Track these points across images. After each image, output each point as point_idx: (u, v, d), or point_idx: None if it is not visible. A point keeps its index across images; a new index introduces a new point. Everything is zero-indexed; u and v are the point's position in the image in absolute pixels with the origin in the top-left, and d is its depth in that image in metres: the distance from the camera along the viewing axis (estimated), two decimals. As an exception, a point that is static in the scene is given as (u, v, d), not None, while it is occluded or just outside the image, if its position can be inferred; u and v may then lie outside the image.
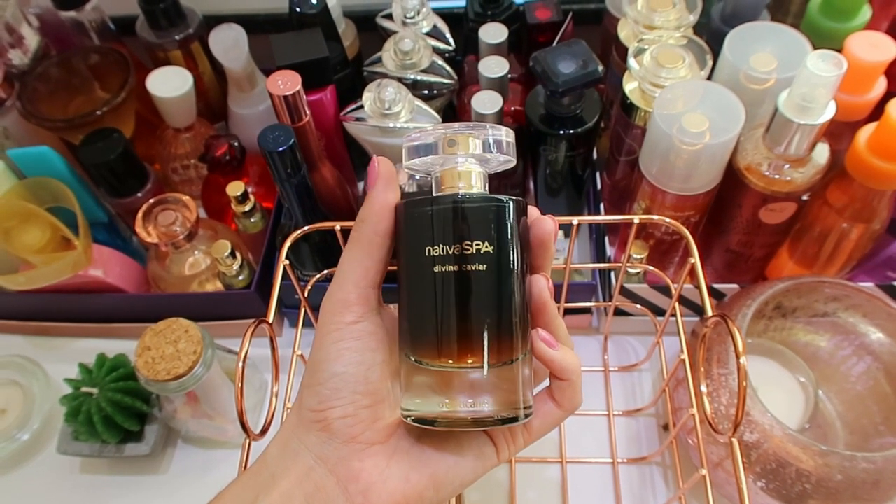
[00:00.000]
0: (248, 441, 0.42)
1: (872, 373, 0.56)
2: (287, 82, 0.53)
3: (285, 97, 0.52)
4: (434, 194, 0.32)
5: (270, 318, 0.46)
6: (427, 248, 0.30)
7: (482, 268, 0.30)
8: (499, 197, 0.31)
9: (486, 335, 0.30)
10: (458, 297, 0.30)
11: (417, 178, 0.58)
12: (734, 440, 0.41)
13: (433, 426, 0.31)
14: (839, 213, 0.52)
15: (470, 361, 0.30)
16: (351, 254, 0.33)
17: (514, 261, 0.31)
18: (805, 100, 0.46)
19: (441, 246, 0.30)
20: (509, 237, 0.31)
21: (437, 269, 0.30)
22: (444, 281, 0.30)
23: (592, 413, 0.61)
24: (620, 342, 0.65)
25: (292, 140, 0.49)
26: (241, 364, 0.41)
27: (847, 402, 0.57)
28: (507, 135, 0.32)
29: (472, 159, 0.32)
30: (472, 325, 0.30)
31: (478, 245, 0.30)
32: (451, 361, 0.30)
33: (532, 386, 0.33)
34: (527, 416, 0.31)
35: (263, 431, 0.45)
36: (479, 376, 0.30)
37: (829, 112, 0.47)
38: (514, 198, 0.31)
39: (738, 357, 0.40)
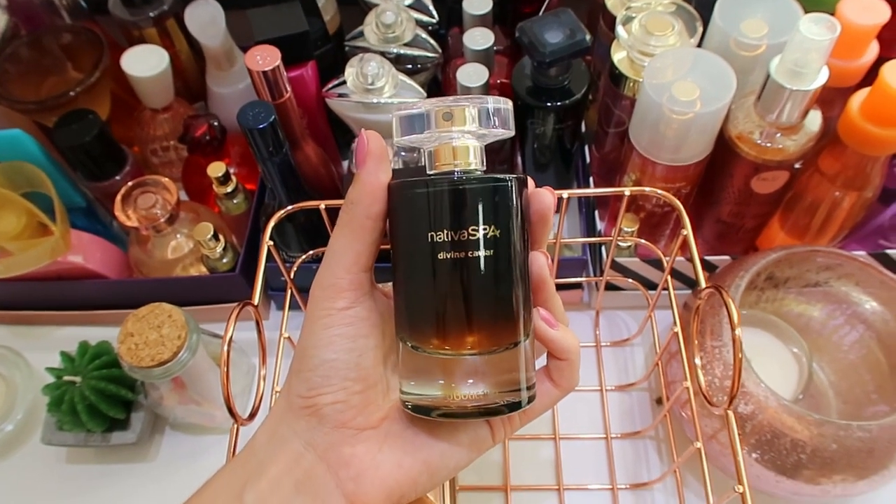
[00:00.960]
0: (236, 426, 0.41)
1: (865, 341, 0.55)
2: (266, 57, 0.51)
3: (265, 73, 0.51)
4: (428, 172, 0.30)
5: (256, 301, 0.45)
6: (428, 234, 0.28)
7: (489, 253, 0.28)
8: (500, 176, 0.29)
9: (492, 321, 0.29)
10: (463, 285, 0.28)
11: (404, 154, 0.57)
12: (730, 412, 0.41)
13: (430, 416, 0.30)
14: (831, 182, 0.52)
15: (471, 348, 0.29)
16: (341, 237, 0.31)
17: (517, 243, 0.29)
18: (797, 65, 0.45)
19: (444, 231, 0.28)
20: (513, 218, 0.29)
21: (440, 256, 0.28)
22: (449, 268, 0.28)
23: (585, 389, 0.60)
24: (612, 317, 0.64)
25: (273, 117, 0.48)
26: (226, 348, 0.40)
27: (840, 372, 0.57)
28: (504, 104, 0.30)
29: (468, 133, 0.30)
30: (478, 312, 0.29)
31: (484, 229, 0.28)
32: (451, 349, 0.29)
33: (534, 367, 0.32)
34: (530, 399, 0.30)
35: (252, 416, 0.44)
36: (480, 362, 0.29)
37: (822, 77, 0.46)
38: (515, 176, 0.29)
39: (732, 328, 0.39)
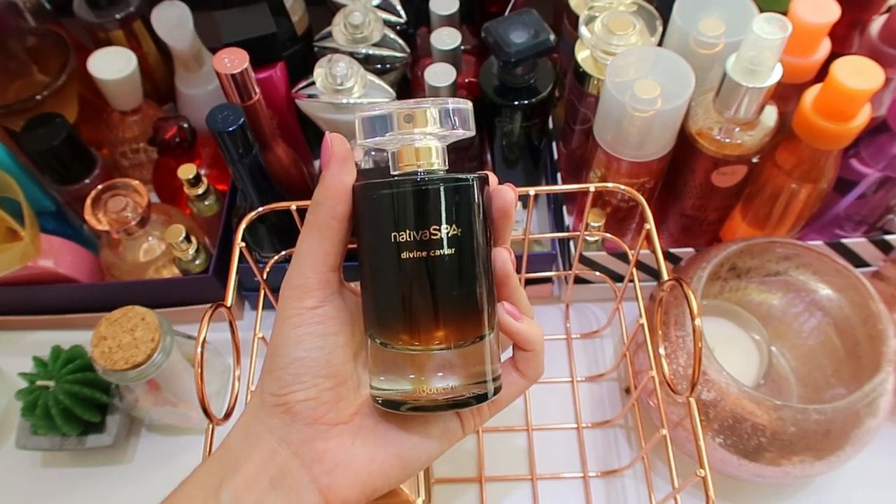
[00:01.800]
0: (211, 426, 0.42)
1: (823, 328, 0.57)
2: (234, 60, 0.51)
3: (233, 75, 0.51)
4: (392, 173, 0.31)
5: (228, 302, 0.45)
6: (392, 234, 0.29)
7: (450, 251, 0.29)
8: (462, 176, 0.30)
9: (455, 317, 0.30)
10: (428, 283, 0.29)
11: (374, 154, 0.58)
12: (692, 399, 0.42)
13: (400, 410, 0.31)
14: (788, 174, 0.54)
15: (438, 343, 0.30)
16: (308, 238, 0.32)
17: (480, 240, 0.30)
18: (752, 63, 0.47)
19: (407, 231, 0.29)
20: (475, 216, 0.30)
21: (403, 255, 0.29)
22: (413, 267, 0.29)
23: (556, 380, 0.61)
24: (582, 309, 0.66)
25: (242, 119, 0.48)
26: (199, 350, 0.40)
27: (800, 357, 0.59)
28: (465, 104, 0.31)
29: (430, 135, 0.31)
30: (443, 308, 0.30)
31: (446, 229, 0.29)
32: (419, 344, 0.30)
33: (500, 359, 0.33)
34: (496, 391, 0.31)
35: (227, 416, 0.44)
36: (448, 356, 0.30)
37: (776, 75, 0.47)
38: (477, 175, 0.30)
39: (692, 319, 0.41)
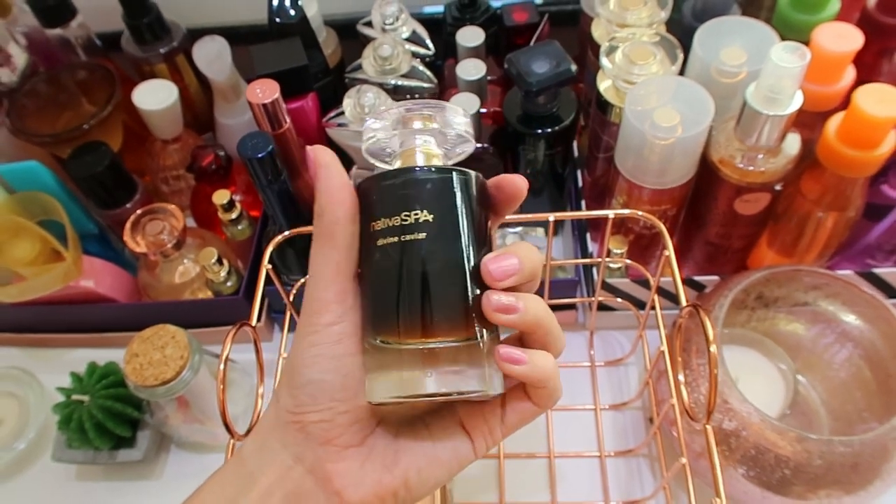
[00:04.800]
0: (231, 441, 0.43)
1: (854, 360, 0.56)
2: (265, 90, 0.54)
3: (264, 105, 0.53)
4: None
5: (253, 322, 0.47)
6: (371, 224, 0.29)
7: (421, 236, 0.29)
8: (445, 167, 0.30)
9: (436, 313, 0.29)
10: (399, 271, 0.29)
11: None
12: (708, 427, 0.42)
13: (397, 399, 0.30)
14: (814, 203, 0.53)
15: (426, 338, 0.29)
16: (317, 251, 0.32)
17: (462, 233, 0.29)
18: (772, 91, 0.47)
19: (382, 220, 0.29)
20: (456, 207, 0.29)
21: (379, 242, 0.29)
22: (385, 254, 0.29)
23: (580, 408, 0.61)
24: (606, 337, 0.66)
25: (271, 147, 0.50)
26: (222, 366, 0.42)
27: (831, 390, 0.58)
28: (464, 115, 0.31)
29: (431, 140, 0.31)
30: (424, 301, 0.29)
31: (416, 214, 0.29)
32: (404, 340, 0.29)
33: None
34: (494, 388, 0.30)
35: (248, 432, 0.46)
36: (440, 352, 0.29)
37: (797, 102, 0.47)
38: (461, 168, 0.30)
39: (708, 345, 0.40)
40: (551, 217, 0.50)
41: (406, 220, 0.29)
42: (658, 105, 0.51)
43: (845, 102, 0.51)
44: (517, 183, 0.32)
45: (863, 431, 0.54)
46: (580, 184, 0.66)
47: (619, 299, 0.60)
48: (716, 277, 0.59)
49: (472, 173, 0.30)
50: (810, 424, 0.57)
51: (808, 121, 0.52)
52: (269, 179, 0.52)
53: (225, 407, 0.41)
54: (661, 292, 0.56)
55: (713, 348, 0.40)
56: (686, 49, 0.54)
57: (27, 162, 0.62)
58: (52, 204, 0.61)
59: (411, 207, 0.29)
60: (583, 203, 0.65)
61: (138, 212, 0.61)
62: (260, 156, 0.50)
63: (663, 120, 0.49)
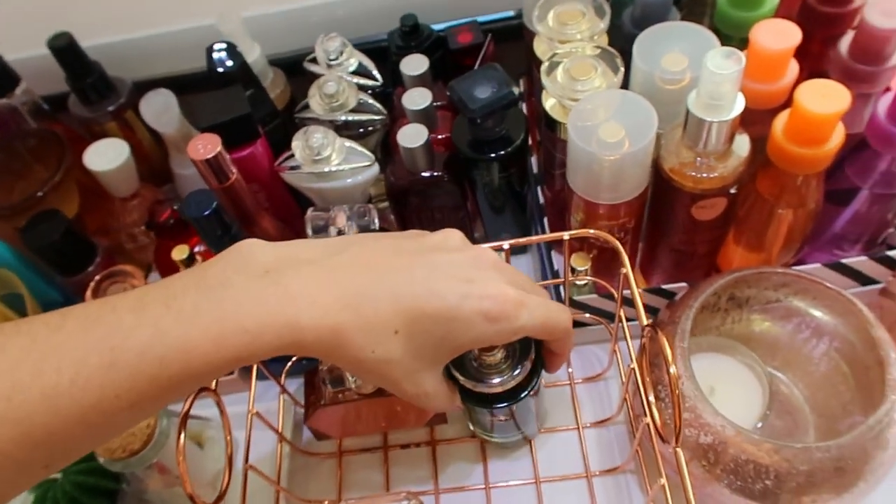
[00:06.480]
0: (202, 511, 0.42)
1: (831, 354, 0.55)
2: (207, 145, 0.53)
3: (207, 160, 0.53)
4: None
5: (213, 385, 0.46)
6: None
7: None
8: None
9: None
10: None
11: (356, 220, 0.58)
12: (679, 450, 0.41)
13: None
14: (772, 201, 0.52)
15: None
16: None
17: None
18: (712, 98, 0.46)
19: None
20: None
21: None
22: None
23: (562, 428, 0.60)
24: (584, 352, 0.65)
25: (215, 203, 0.50)
26: (181, 437, 0.41)
27: (813, 385, 0.57)
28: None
29: None
30: None
31: None
32: None
33: None
34: None
35: (218, 499, 0.45)
36: None
37: (739, 106, 0.47)
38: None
39: (667, 366, 0.40)
40: (506, 245, 0.50)
41: None
42: (603, 119, 0.50)
43: (790, 98, 0.50)
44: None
45: (848, 426, 0.53)
46: (541, 200, 0.65)
47: (587, 315, 0.59)
48: (684, 284, 0.58)
49: None
50: (795, 424, 0.56)
51: (756, 119, 0.51)
52: (219, 235, 0.52)
53: (185, 475, 0.41)
54: (631, 303, 0.56)
55: (673, 370, 0.40)
56: (629, 57, 0.54)
57: (-19, 238, 0.61)
58: (9, 278, 0.60)
59: None
60: (545, 220, 0.64)
61: (97, 278, 0.60)
62: (205, 213, 0.50)
63: (608, 135, 0.49)
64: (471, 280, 0.37)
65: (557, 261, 0.63)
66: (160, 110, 0.65)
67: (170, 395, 0.32)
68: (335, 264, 0.36)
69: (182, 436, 0.42)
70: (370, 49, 0.68)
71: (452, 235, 0.40)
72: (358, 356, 0.35)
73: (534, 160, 0.67)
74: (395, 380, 0.37)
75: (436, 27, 0.68)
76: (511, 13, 0.71)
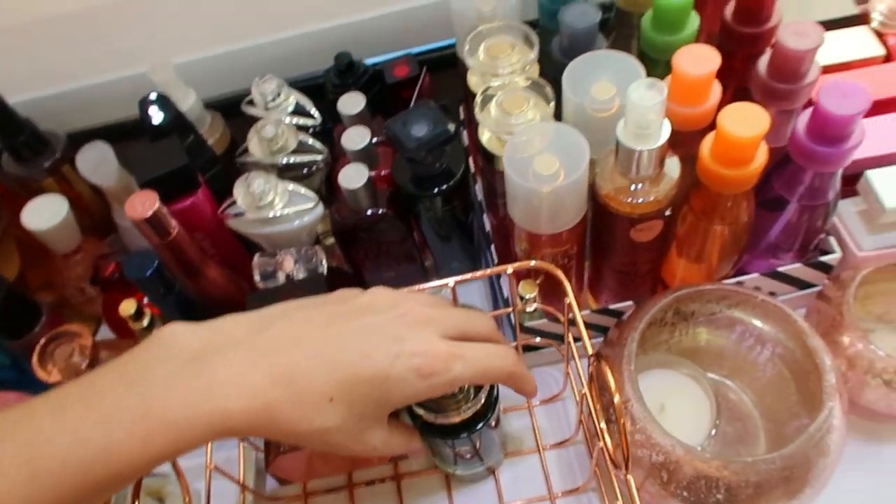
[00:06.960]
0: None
1: (774, 360, 0.57)
2: (145, 202, 0.52)
3: (146, 219, 0.52)
4: None
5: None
6: None
7: None
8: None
9: None
10: None
11: (303, 263, 0.58)
12: (629, 477, 0.42)
13: None
14: (706, 218, 0.54)
15: None
16: None
17: None
18: (640, 127, 0.47)
19: None
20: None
21: None
22: None
23: (524, 451, 0.61)
24: (541, 374, 0.65)
25: (156, 262, 0.49)
26: (135, 501, 0.41)
27: (760, 391, 0.59)
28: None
29: None
30: None
31: None
32: None
33: None
34: None
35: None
36: None
37: (666, 132, 0.48)
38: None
39: (611, 396, 0.41)
40: (451, 282, 0.50)
41: None
42: (538, 150, 0.50)
43: (716, 119, 0.51)
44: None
45: (796, 428, 0.55)
46: (487, 227, 0.66)
47: (538, 339, 0.60)
48: (631, 303, 0.59)
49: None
50: (745, 430, 0.58)
51: (685, 140, 0.52)
52: (163, 293, 0.51)
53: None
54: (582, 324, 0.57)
55: (617, 399, 0.41)
56: (560, 86, 0.55)
57: (-82, 309, 0.59)
58: (-50, 348, 0.58)
59: None
60: (492, 247, 0.65)
61: (42, 341, 0.59)
62: (147, 274, 0.49)
63: (543, 168, 0.49)
64: (401, 339, 0.37)
65: (507, 286, 0.64)
66: (97, 163, 0.64)
67: (97, 498, 0.31)
68: (263, 342, 0.36)
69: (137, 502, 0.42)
70: (307, 86, 0.69)
71: (380, 294, 0.41)
72: (297, 429, 0.35)
73: (478, 187, 0.68)
74: (341, 444, 0.37)
75: (370, 61, 0.68)
76: (445, 42, 0.72)
